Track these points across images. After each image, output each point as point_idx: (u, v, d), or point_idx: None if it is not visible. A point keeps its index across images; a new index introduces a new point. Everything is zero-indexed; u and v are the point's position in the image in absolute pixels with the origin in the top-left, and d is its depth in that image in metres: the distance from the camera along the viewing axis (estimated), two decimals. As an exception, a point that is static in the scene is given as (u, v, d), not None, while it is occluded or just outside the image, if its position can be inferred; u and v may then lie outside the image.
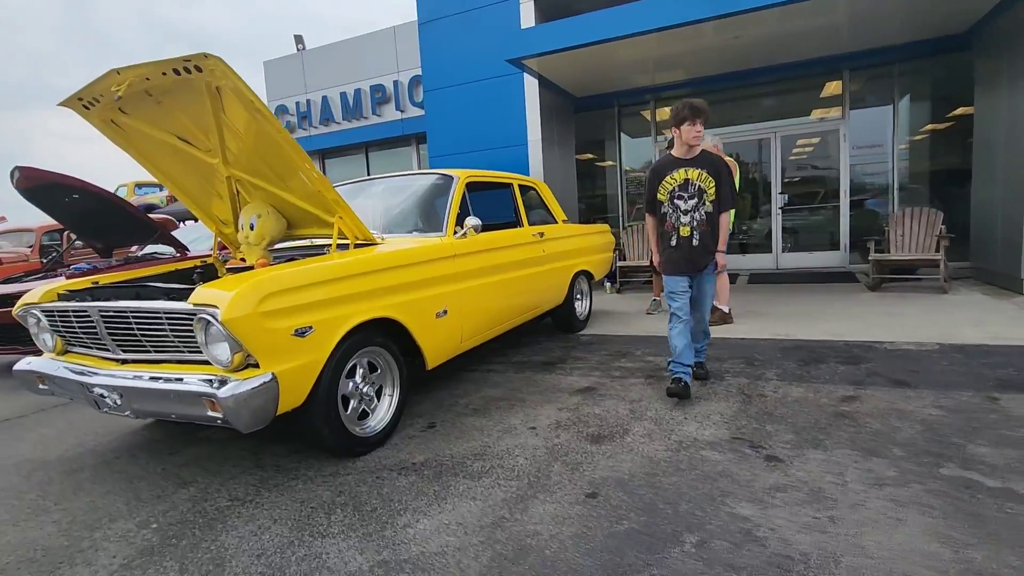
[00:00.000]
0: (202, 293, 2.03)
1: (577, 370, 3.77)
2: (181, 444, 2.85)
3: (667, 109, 9.01)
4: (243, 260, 3.34)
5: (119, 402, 2.28)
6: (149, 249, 6.17)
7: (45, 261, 7.82)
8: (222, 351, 2.05)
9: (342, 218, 2.80)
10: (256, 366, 2.09)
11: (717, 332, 4.47)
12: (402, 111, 10.66)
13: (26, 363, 2.70)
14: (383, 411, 2.69)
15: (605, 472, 2.24)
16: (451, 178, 3.57)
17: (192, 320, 2.07)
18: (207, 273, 3.28)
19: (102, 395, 2.32)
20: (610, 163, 9.39)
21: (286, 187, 2.81)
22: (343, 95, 11.20)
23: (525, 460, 2.40)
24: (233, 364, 2.04)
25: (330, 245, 3.14)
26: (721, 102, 8.56)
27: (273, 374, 2.06)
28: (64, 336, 2.63)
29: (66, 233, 7.77)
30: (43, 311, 2.62)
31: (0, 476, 2.61)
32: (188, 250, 5.64)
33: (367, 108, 10.98)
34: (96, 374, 2.33)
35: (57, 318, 2.55)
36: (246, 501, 2.19)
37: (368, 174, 11.96)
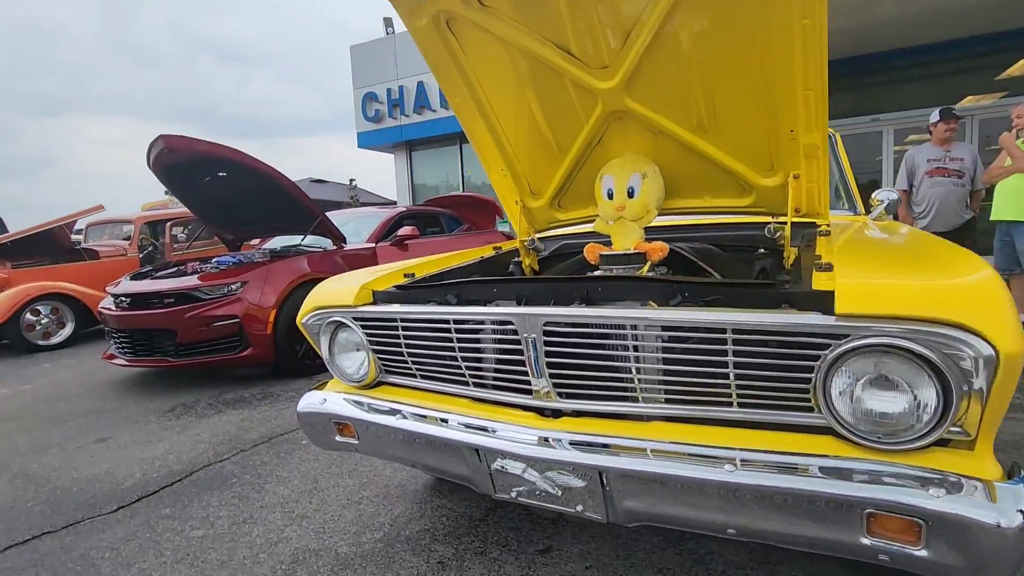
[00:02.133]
0: (895, 294, 0.98)
1: None
2: (530, 528, 1.82)
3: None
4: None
5: (576, 489, 1.25)
6: (281, 240, 5.22)
7: (142, 255, 6.99)
8: (904, 409, 1.00)
9: (798, 177, 1.75)
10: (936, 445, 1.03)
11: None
12: (510, 96, 9.65)
13: (319, 401, 1.69)
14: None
15: None
16: (831, 135, 2.51)
17: (812, 350, 1.03)
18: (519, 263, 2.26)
19: (525, 475, 1.30)
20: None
21: (715, 128, 1.77)
22: (442, 80, 10.24)
23: None
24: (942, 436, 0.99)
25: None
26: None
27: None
28: (394, 360, 1.62)
29: (168, 224, 6.90)
30: (361, 320, 1.61)
31: (296, 590, 1.60)
32: (345, 242, 4.66)
33: (469, 94, 10.00)
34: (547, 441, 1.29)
35: (400, 330, 1.54)
36: None
37: (462, 168, 11.03)
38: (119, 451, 2.78)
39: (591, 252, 1.94)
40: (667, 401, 1.24)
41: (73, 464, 2.64)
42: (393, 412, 1.55)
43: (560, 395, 1.33)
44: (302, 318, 1.74)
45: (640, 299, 1.27)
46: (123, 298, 3.86)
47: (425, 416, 1.47)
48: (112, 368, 4.67)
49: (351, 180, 11.08)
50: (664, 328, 1.16)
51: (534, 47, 1.77)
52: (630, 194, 1.91)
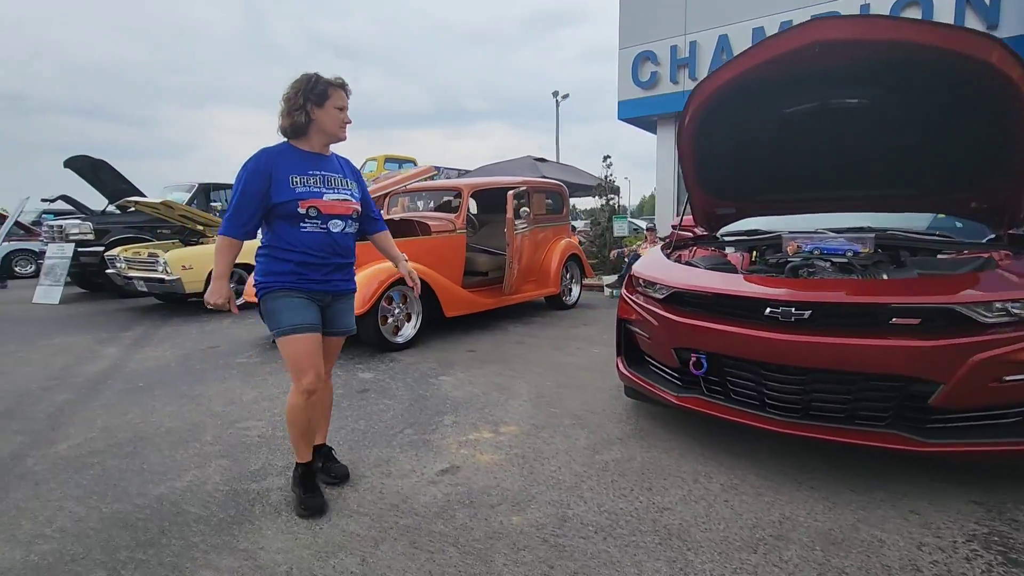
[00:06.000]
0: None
1: None
2: None
3: None
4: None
5: None
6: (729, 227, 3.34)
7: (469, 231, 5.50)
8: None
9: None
10: None
11: None
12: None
13: None
14: None
15: None
16: None
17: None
18: None
19: None
20: None
21: None
22: (756, 32, 8.13)
23: None
24: None
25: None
26: None
27: None
28: None
29: (511, 193, 5.34)
30: None
31: None
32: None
33: (800, 47, 7.81)
34: None
35: None
36: None
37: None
38: None
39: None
40: None
41: None
42: None
43: None
44: None
45: None
46: (791, 309, 2.06)
47: None
48: (566, 403, 3.03)
49: (606, 157, 9.27)
50: None
51: None
52: None
